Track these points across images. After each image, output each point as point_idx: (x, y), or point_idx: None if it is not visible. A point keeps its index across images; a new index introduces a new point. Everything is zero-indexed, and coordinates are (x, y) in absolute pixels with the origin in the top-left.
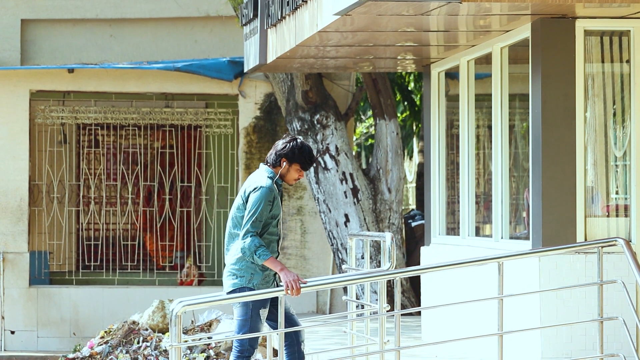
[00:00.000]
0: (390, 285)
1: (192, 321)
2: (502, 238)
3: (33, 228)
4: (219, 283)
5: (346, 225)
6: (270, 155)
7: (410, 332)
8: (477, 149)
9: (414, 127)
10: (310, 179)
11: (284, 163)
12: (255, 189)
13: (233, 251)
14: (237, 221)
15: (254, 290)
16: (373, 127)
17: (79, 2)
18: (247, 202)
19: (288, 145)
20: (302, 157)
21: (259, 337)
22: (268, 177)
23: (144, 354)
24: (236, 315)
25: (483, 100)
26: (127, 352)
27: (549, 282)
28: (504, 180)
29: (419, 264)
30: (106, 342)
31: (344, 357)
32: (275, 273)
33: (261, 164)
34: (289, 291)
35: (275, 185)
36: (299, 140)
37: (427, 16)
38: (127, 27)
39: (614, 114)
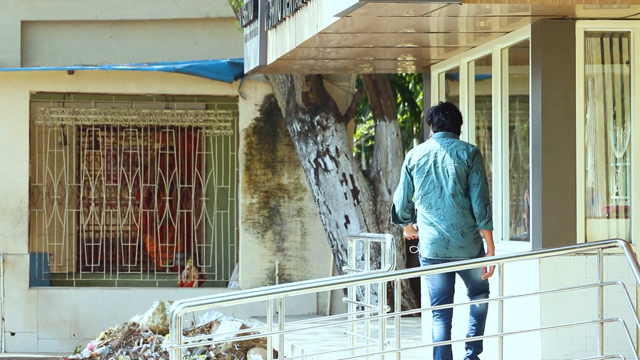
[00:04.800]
0: (390, 287)
1: (192, 323)
2: (502, 239)
3: (33, 229)
4: (219, 284)
5: (346, 227)
6: (456, 125)
7: (410, 333)
8: None
9: (414, 129)
10: (310, 180)
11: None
12: (477, 152)
13: (470, 215)
14: (462, 186)
15: None
16: (373, 129)
17: (79, 4)
18: (472, 165)
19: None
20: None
21: None
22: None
23: (144, 356)
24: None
25: (483, 102)
26: (127, 353)
27: (549, 283)
28: (504, 182)
29: (419, 265)
30: (106, 344)
31: (344, 359)
32: None
33: (446, 133)
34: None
35: None
36: (445, 104)
37: (427, 17)
38: (127, 28)
39: (614, 115)
